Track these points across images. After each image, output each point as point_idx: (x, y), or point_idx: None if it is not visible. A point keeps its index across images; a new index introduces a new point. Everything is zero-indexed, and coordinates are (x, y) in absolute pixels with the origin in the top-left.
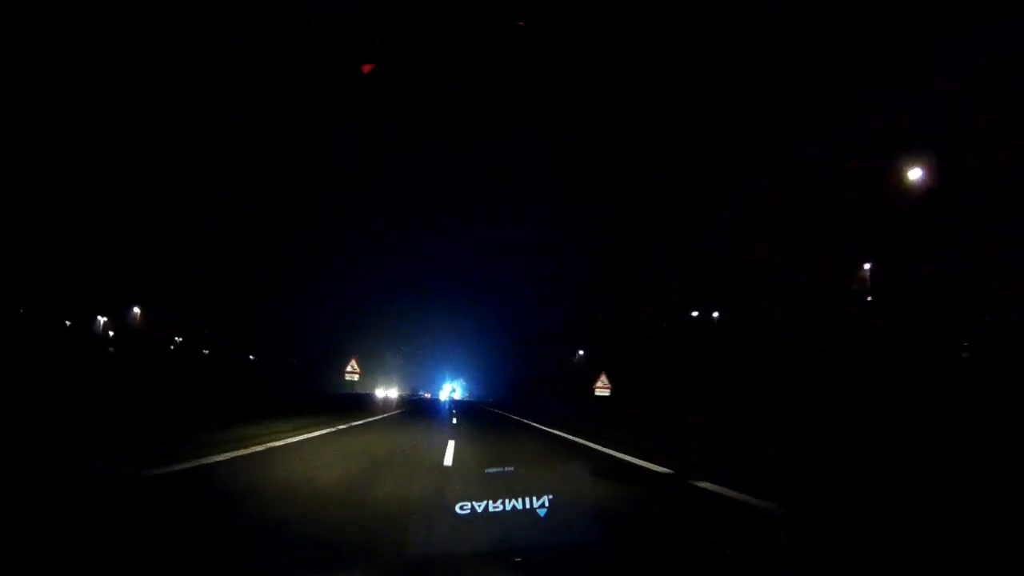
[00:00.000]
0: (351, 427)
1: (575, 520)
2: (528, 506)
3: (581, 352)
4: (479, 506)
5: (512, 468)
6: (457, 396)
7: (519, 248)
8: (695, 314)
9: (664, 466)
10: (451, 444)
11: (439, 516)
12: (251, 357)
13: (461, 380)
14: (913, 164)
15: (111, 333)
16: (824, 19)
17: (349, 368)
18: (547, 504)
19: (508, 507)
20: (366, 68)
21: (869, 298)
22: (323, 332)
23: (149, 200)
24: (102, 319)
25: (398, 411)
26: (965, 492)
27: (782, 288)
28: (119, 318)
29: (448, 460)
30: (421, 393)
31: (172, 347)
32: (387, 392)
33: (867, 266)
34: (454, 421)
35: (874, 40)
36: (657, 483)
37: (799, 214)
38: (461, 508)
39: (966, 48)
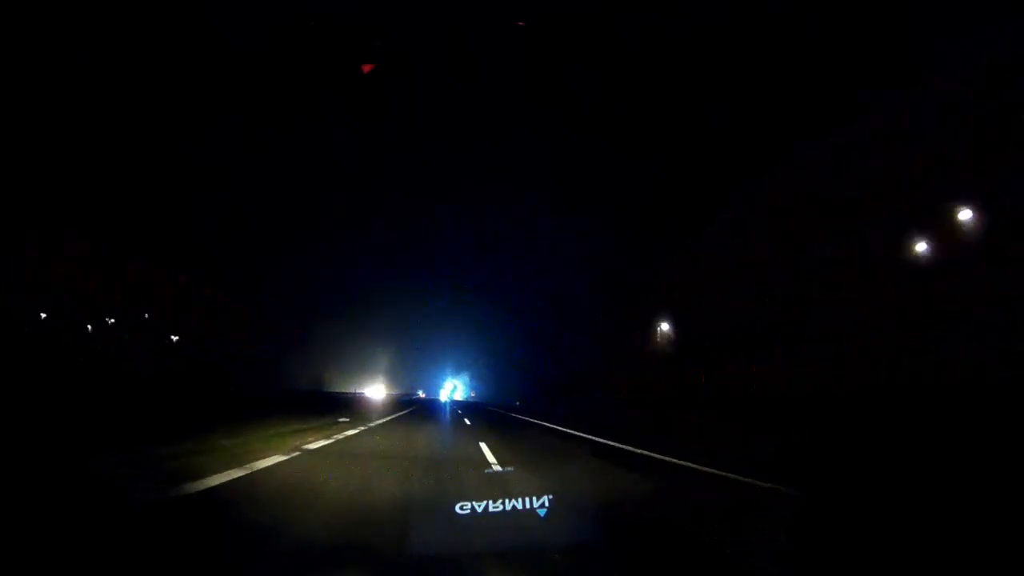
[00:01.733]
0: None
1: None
2: (528, 506)
3: (665, 326)
4: (479, 506)
5: (512, 468)
6: (459, 396)
7: (522, 240)
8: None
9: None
10: None
11: (439, 516)
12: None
13: (465, 376)
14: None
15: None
16: (824, 19)
17: None
18: (547, 504)
19: (508, 507)
20: (366, 68)
21: None
22: (298, 324)
23: (148, 199)
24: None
25: (375, 422)
26: (961, 496)
27: (782, 288)
28: (120, 317)
29: None
30: (417, 393)
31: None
32: (372, 392)
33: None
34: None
35: (874, 40)
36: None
37: (799, 214)
38: (461, 508)
39: (966, 48)
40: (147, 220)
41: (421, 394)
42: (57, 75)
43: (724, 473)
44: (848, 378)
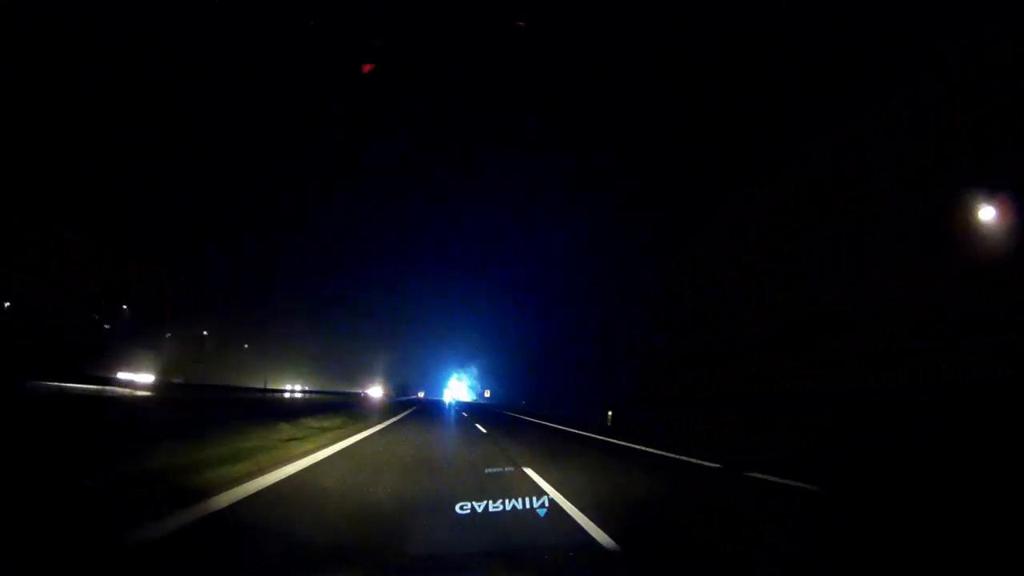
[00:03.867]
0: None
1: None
2: (528, 506)
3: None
4: (479, 506)
5: (512, 468)
6: (463, 397)
7: (520, 238)
8: None
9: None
10: None
11: (439, 516)
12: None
13: (472, 370)
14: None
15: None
16: (824, 19)
17: None
18: (547, 504)
19: (508, 507)
20: (366, 68)
21: None
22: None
23: (145, 198)
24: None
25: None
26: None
27: (781, 288)
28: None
29: None
30: (415, 393)
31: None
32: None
33: None
34: None
35: (874, 40)
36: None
37: (799, 214)
38: (461, 508)
39: (966, 48)
40: (143, 220)
41: (420, 395)
42: (57, 75)
43: (722, 466)
44: (849, 377)
